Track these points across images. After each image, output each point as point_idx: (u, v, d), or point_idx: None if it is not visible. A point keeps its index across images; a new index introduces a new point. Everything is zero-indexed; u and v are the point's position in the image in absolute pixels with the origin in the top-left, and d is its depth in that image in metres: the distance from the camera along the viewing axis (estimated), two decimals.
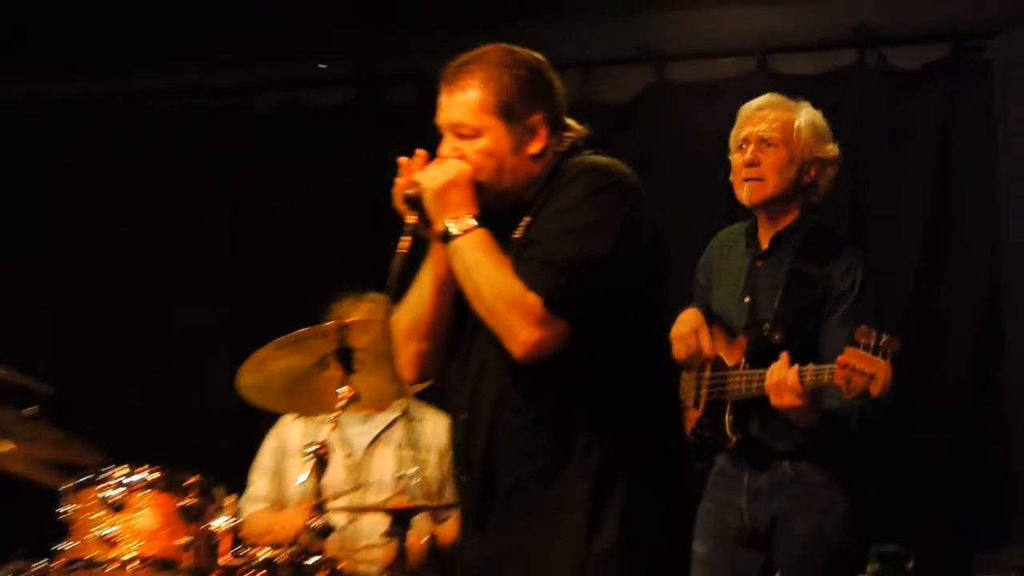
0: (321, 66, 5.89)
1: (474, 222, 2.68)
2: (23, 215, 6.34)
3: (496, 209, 2.75)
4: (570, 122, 2.86)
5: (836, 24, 5.34)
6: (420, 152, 2.77)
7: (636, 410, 2.80)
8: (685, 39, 5.50)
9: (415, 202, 2.72)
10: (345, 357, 4.22)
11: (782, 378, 3.58)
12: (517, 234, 2.76)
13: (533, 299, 2.57)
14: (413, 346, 2.93)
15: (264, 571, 4.09)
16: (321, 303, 4.84)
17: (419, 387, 4.34)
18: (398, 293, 2.88)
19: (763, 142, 3.88)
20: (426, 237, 2.79)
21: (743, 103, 4.06)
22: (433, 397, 4.85)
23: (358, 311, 4.63)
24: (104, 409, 6.09)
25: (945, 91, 5.24)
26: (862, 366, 3.37)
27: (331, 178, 5.96)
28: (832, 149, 3.95)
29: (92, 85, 6.23)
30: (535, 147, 2.77)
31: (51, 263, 6.30)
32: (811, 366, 3.57)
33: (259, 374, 4.34)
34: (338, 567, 4.24)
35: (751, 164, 3.87)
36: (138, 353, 6.13)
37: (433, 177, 2.71)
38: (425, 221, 2.73)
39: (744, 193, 3.90)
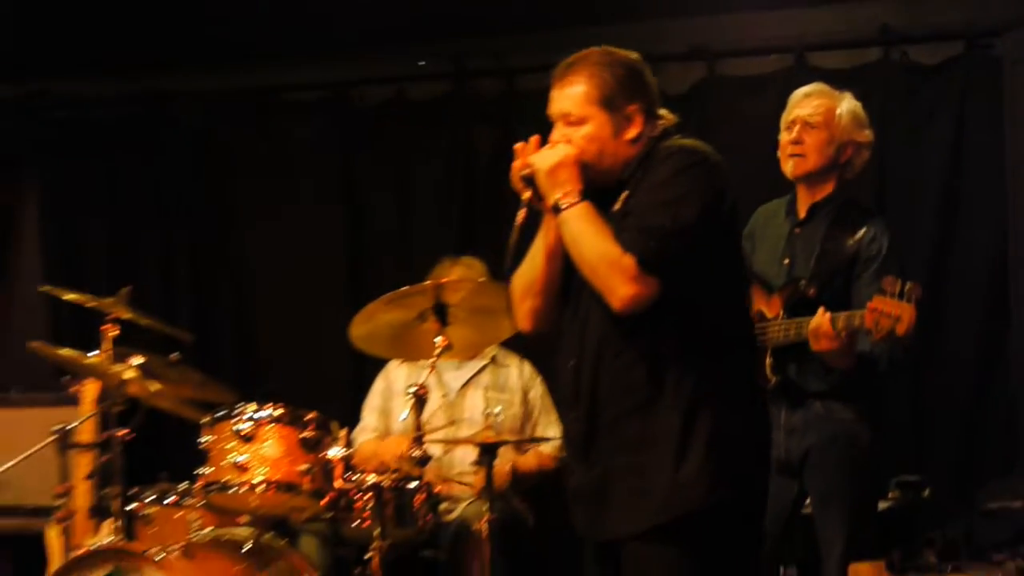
0: (421, 63, 5.89)
1: (579, 197, 2.81)
2: (170, 190, 6.45)
3: (598, 185, 2.87)
4: (663, 111, 2.97)
5: (864, 25, 5.40)
6: (533, 138, 2.91)
7: (719, 352, 2.88)
8: (733, 38, 5.54)
9: (530, 180, 2.88)
10: (441, 312, 4.27)
11: (818, 324, 3.66)
12: (616, 206, 2.88)
13: (629, 260, 2.69)
14: (528, 303, 3.06)
15: (371, 493, 4.16)
16: (420, 266, 4.91)
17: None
18: (516, 258, 3.02)
19: (807, 124, 3.95)
20: (539, 210, 2.91)
21: (783, 94, 4.20)
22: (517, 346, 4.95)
23: (452, 272, 4.75)
24: (237, 355, 6.22)
25: (959, 83, 5.28)
26: (889, 309, 3.47)
27: (428, 159, 6.00)
28: (868, 134, 4.04)
29: (231, 81, 6.31)
30: (631, 133, 2.90)
31: (194, 233, 6.42)
32: (843, 312, 3.66)
33: (368, 326, 4.40)
34: (434, 491, 4.33)
35: (796, 142, 3.96)
36: (267, 308, 6.25)
37: (545, 159, 2.85)
38: (538, 196, 2.88)
39: (788, 167, 3.99)
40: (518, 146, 2.92)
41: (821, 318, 3.65)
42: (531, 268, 3.03)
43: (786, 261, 3.99)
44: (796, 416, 3.93)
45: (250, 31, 5.89)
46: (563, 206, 2.81)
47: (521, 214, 2.91)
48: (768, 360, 3.95)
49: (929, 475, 4.51)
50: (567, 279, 2.98)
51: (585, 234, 2.79)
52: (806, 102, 4.00)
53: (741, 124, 5.20)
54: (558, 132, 2.90)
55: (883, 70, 5.32)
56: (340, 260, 6.09)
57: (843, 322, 3.64)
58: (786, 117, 4.04)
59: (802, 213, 4.04)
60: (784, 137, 4.00)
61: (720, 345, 2.89)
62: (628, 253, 2.71)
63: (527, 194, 2.89)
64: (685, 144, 2.90)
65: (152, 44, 6.12)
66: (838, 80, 4.29)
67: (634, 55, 2.94)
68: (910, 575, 3.56)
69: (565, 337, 3.01)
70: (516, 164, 2.90)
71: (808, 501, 4.02)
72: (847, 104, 4.00)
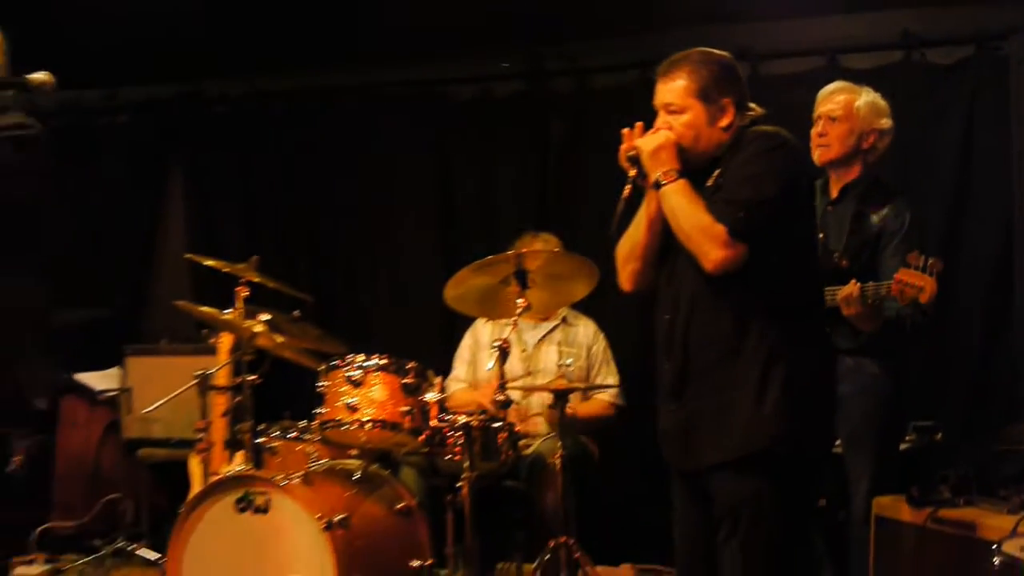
0: (504, 64, 5.84)
1: (677, 175, 2.89)
2: (289, 174, 6.47)
3: (694, 165, 2.94)
4: (752, 104, 3.04)
5: (887, 30, 5.32)
6: (638, 124, 2.99)
7: (795, 310, 2.94)
8: (774, 42, 5.49)
9: (635, 160, 2.97)
10: (521, 277, 4.29)
11: (849, 293, 3.69)
12: (709, 182, 2.93)
13: (720, 229, 2.78)
14: (631, 266, 3.13)
15: (461, 432, 4.20)
16: (504, 238, 4.89)
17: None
18: (620, 226, 3.10)
19: (830, 118, 3.99)
20: (641, 186, 3.00)
21: (816, 91, 4.18)
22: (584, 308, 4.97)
23: (531, 244, 4.75)
24: (348, 314, 6.24)
25: (970, 82, 5.22)
26: (913, 280, 3.52)
27: (509, 147, 5.98)
28: (886, 122, 4.07)
29: (343, 78, 6.31)
30: (724, 121, 2.96)
31: (311, 210, 6.44)
32: (872, 283, 3.69)
33: (459, 289, 4.43)
34: (515, 430, 4.39)
35: (821, 135, 4.00)
36: (372, 274, 6.28)
37: (648, 142, 2.94)
38: (641, 174, 2.97)
39: (816, 155, 4.00)
40: (625, 131, 3.01)
41: (852, 287, 3.70)
42: (634, 236, 3.09)
43: (821, 236, 3.94)
44: None
45: (361, 37, 5.89)
46: (663, 182, 2.89)
47: (627, 189, 3.00)
48: None
49: (943, 421, 4.44)
50: (663, 246, 3.04)
51: (683, 206, 2.86)
52: (829, 99, 4.03)
53: (780, 116, 5.02)
54: (661, 119, 2.97)
55: (904, 70, 5.25)
56: (434, 232, 6.12)
57: (871, 291, 3.68)
58: (815, 112, 4.06)
59: (834, 193, 4.08)
60: (813, 130, 4.02)
61: (796, 304, 2.95)
62: (719, 223, 2.78)
63: (632, 172, 2.98)
64: (768, 129, 2.98)
65: (278, 50, 6.12)
66: (864, 79, 4.33)
67: (728, 55, 3.02)
68: (927, 507, 3.50)
69: (660, 296, 3.07)
70: (624, 146, 2.99)
71: (838, 443, 3.96)
72: (865, 97, 4.02)
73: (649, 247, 3.07)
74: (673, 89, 2.94)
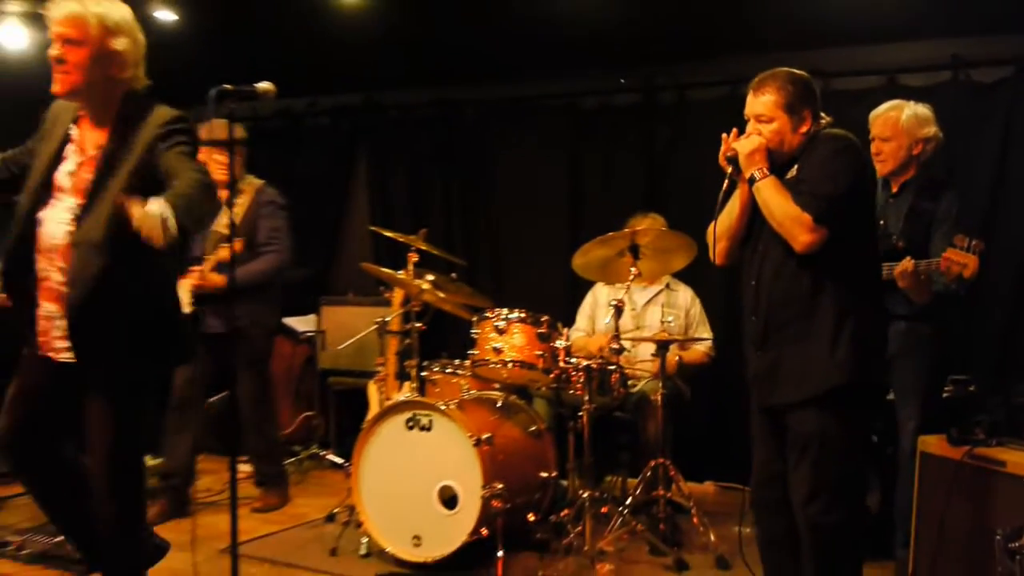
0: (621, 80, 5.77)
1: (768, 172, 2.91)
2: (451, 165, 6.48)
3: (777, 162, 2.94)
4: (822, 114, 3.02)
5: (939, 54, 5.07)
6: (734, 130, 3.02)
7: (860, 276, 2.96)
8: (843, 63, 5.27)
9: (733, 160, 2.97)
10: (634, 250, 4.28)
11: (905, 268, 3.61)
12: (790, 175, 2.93)
13: (807, 217, 2.80)
14: (722, 244, 3.12)
15: (583, 372, 4.19)
16: (619, 217, 4.84)
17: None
18: (718, 212, 3.08)
19: (881, 139, 3.88)
20: (737, 181, 3.00)
21: (878, 105, 4.02)
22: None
23: (642, 223, 4.67)
24: (494, 277, 6.24)
25: (1008, 97, 4.94)
26: (959, 259, 3.44)
27: (625, 146, 5.89)
28: (930, 130, 3.92)
29: (494, 90, 6.28)
30: (803, 128, 2.96)
31: (466, 194, 6.44)
32: (923, 260, 3.60)
33: (584, 258, 4.42)
34: (625, 372, 4.36)
35: (876, 154, 3.88)
36: (514, 246, 6.26)
37: (744, 145, 2.95)
38: (738, 171, 2.97)
39: (877, 168, 3.87)
40: (724, 136, 3.01)
41: (907, 263, 3.60)
42: (726, 221, 3.09)
43: (881, 221, 3.85)
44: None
45: (509, 58, 5.88)
46: (757, 178, 2.90)
47: (726, 183, 3.01)
48: None
49: (976, 375, 4.27)
50: (748, 229, 3.06)
51: (775, 198, 2.86)
52: (877, 123, 3.91)
53: (847, 125, 4.90)
54: (752, 126, 2.97)
55: (952, 88, 5.00)
56: (565, 212, 6.05)
57: (923, 267, 3.58)
58: (870, 134, 3.93)
59: (894, 189, 3.98)
60: (871, 148, 3.90)
61: (860, 273, 2.95)
62: (806, 212, 2.79)
63: (730, 169, 2.98)
64: (837, 132, 2.97)
65: (442, 67, 6.17)
66: (918, 95, 4.12)
67: (807, 75, 3.00)
68: (964, 446, 3.39)
69: (746, 267, 3.08)
70: (723, 149, 2.99)
71: (891, 392, 3.89)
72: (908, 110, 3.88)
73: (738, 230, 3.07)
74: (764, 102, 2.92)
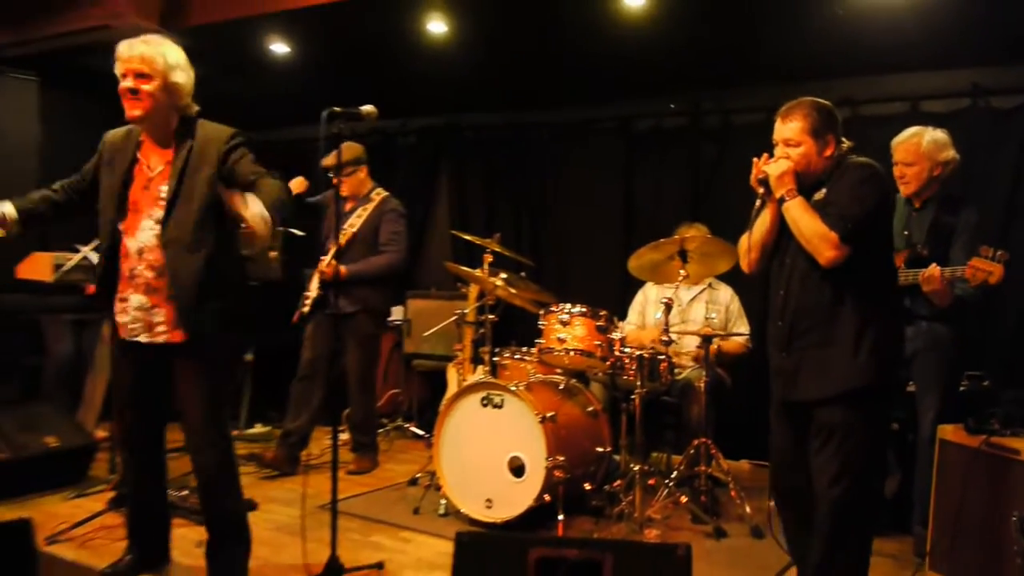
0: (672, 106, 5.68)
1: (796, 193, 2.82)
2: (520, 178, 6.43)
3: (805, 184, 2.84)
4: (843, 138, 2.90)
5: (960, 83, 4.90)
6: (765, 155, 2.91)
7: (879, 288, 2.85)
8: (870, 91, 5.13)
9: (764, 182, 2.87)
10: (683, 255, 4.24)
11: (931, 274, 3.51)
12: (818, 197, 2.83)
13: (833, 235, 2.71)
14: (752, 255, 3.00)
15: (635, 360, 4.15)
16: (668, 227, 4.77)
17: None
18: (749, 227, 2.99)
19: (903, 164, 3.77)
20: (767, 200, 2.91)
21: (902, 129, 3.90)
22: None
23: (689, 231, 4.59)
24: (559, 275, 6.13)
25: (1023, 120, 4.75)
26: (985, 267, 3.35)
27: (674, 164, 5.79)
28: (948, 153, 3.81)
29: (557, 114, 6.24)
30: (827, 152, 2.86)
31: (535, 205, 6.39)
32: (949, 267, 3.51)
33: (638, 261, 4.39)
34: (672, 361, 4.26)
35: (900, 177, 3.79)
36: (575, 249, 6.19)
37: (774, 168, 2.85)
38: (768, 192, 2.87)
39: (900, 190, 3.80)
40: (755, 160, 2.90)
41: (934, 270, 3.48)
42: (757, 235, 2.97)
43: (906, 232, 3.75)
44: (909, 330, 3.74)
45: (571, 87, 5.85)
46: (787, 199, 2.81)
47: (758, 203, 2.93)
48: None
49: (990, 372, 4.13)
50: (775, 243, 2.96)
51: (803, 217, 2.77)
52: (900, 149, 3.80)
53: (873, 148, 4.74)
54: (780, 150, 2.87)
55: (972, 113, 4.83)
56: (619, 221, 5.98)
57: (949, 273, 3.43)
58: (893, 159, 3.82)
59: (917, 204, 3.83)
60: (895, 171, 3.79)
61: (879, 285, 2.84)
62: (832, 231, 2.70)
63: (761, 190, 2.88)
64: (863, 160, 2.85)
65: (513, 94, 6.16)
66: (939, 121, 3.98)
67: (830, 103, 2.90)
68: (981, 435, 3.24)
69: (773, 277, 2.99)
70: (754, 172, 2.89)
71: (911, 384, 3.81)
72: (928, 136, 3.75)
73: (767, 244, 2.97)
74: (791, 128, 2.82)
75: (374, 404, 5.30)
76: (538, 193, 6.33)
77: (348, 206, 5.02)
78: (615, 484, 4.15)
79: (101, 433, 4.90)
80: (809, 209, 2.76)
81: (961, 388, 3.84)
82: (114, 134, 3.17)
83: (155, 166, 3.02)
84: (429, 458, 4.31)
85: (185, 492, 4.22)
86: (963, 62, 4.84)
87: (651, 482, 4.18)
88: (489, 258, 4.51)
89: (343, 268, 4.76)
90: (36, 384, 5.35)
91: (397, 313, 6.23)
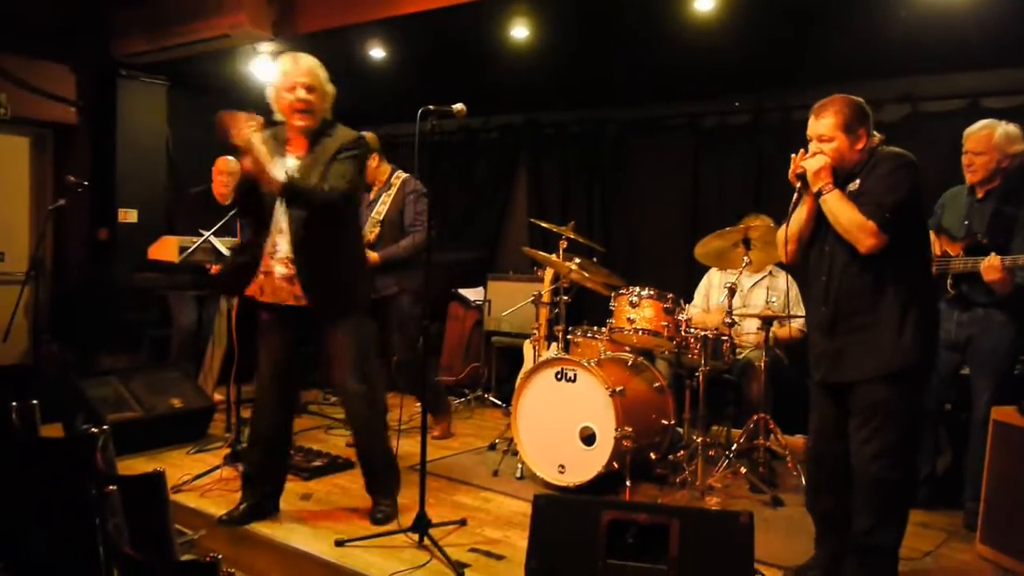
0: (736, 103, 5.53)
1: (833, 186, 2.72)
2: (594, 171, 6.30)
3: (840, 176, 2.75)
4: (875, 132, 2.81)
5: (1017, 81, 4.65)
6: (801, 151, 2.81)
7: (917, 273, 2.77)
8: (930, 89, 4.93)
9: (802, 177, 2.78)
10: (747, 243, 4.15)
11: (991, 263, 3.39)
12: (852, 188, 2.73)
13: (872, 225, 2.63)
14: (792, 246, 2.91)
15: (700, 340, 4.05)
16: (733, 216, 4.66)
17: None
18: (787, 220, 2.90)
19: (973, 153, 3.59)
20: (804, 194, 2.81)
21: (963, 124, 3.75)
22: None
23: (753, 221, 4.47)
24: (630, 261, 6.04)
25: None
26: None
27: (737, 157, 5.65)
28: (1018, 147, 3.66)
29: (630, 112, 6.15)
30: (860, 145, 2.75)
31: (607, 195, 6.30)
32: (1009, 256, 3.37)
33: (704, 248, 4.32)
34: (734, 341, 4.17)
35: (968, 165, 3.62)
36: (647, 237, 6.10)
37: (811, 164, 2.75)
38: (806, 186, 2.78)
39: (967, 178, 3.64)
40: (794, 156, 2.81)
41: (994, 259, 3.34)
42: (796, 227, 2.88)
43: (966, 222, 3.59)
44: (965, 315, 3.59)
45: (648, 86, 5.78)
46: (825, 192, 2.72)
47: (795, 197, 2.83)
48: (950, 281, 3.60)
49: None
50: (813, 235, 2.87)
51: (842, 209, 2.68)
52: (972, 138, 3.60)
53: (933, 140, 4.60)
54: (815, 146, 2.78)
55: None
56: (686, 211, 5.87)
57: (1010, 262, 3.28)
58: (964, 147, 3.64)
59: (980, 195, 3.64)
60: (963, 158, 3.63)
61: (917, 270, 2.76)
62: (870, 220, 2.62)
63: (799, 185, 2.80)
64: (895, 151, 2.75)
65: (586, 94, 6.09)
66: (997, 116, 3.76)
67: (860, 99, 2.79)
68: None
69: (812, 267, 2.89)
70: (792, 168, 2.80)
71: (966, 367, 3.67)
72: (1001, 129, 3.56)
73: (803, 236, 2.87)
74: (825, 124, 2.74)
75: (432, 373, 5.17)
76: (610, 185, 6.25)
77: (372, 194, 4.77)
78: (679, 454, 4.09)
79: (218, 396, 5.06)
80: (846, 200, 2.68)
81: (1016, 371, 3.67)
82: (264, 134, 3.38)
83: (294, 161, 3.26)
84: (507, 426, 4.32)
85: (291, 451, 4.33)
86: (1021, 61, 4.59)
87: (712, 453, 4.11)
88: (564, 244, 4.48)
89: (374, 255, 4.51)
90: (163, 352, 5.55)
91: (479, 294, 6.26)
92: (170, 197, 6.43)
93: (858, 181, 2.73)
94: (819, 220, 2.80)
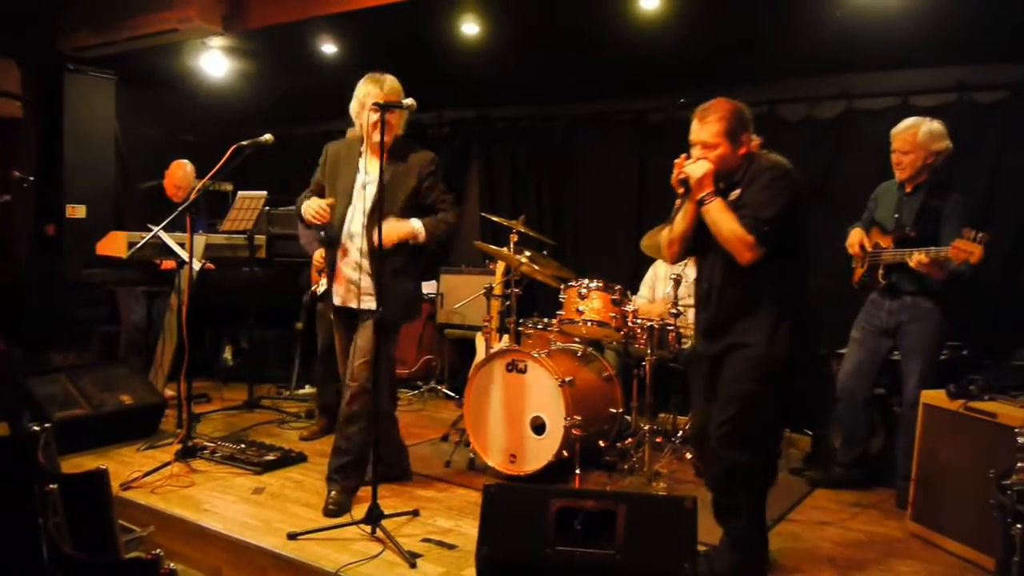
0: (681, 100, 5.55)
1: (715, 195, 2.71)
2: (543, 164, 6.29)
3: (720, 179, 2.74)
4: (753, 136, 2.80)
5: (946, 80, 4.77)
6: (683, 156, 2.78)
7: (793, 284, 2.78)
8: (865, 87, 5.02)
9: (684, 183, 2.75)
10: None
11: (920, 259, 3.48)
12: (732, 197, 2.72)
13: (750, 238, 2.63)
14: (675, 248, 2.93)
15: (646, 331, 4.07)
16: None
17: None
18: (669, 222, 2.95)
19: (900, 152, 3.68)
20: (685, 200, 2.80)
21: (894, 120, 3.83)
22: None
23: None
24: (578, 253, 6.09)
25: (1004, 115, 4.63)
26: (966, 247, 3.27)
27: (681, 152, 5.56)
28: (942, 144, 3.75)
29: (580, 108, 6.14)
30: (742, 151, 2.75)
31: (556, 187, 6.31)
32: (934, 248, 3.44)
33: (649, 240, 4.39)
34: (680, 331, 4.17)
35: (897, 163, 3.70)
36: (593, 229, 6.11)
37: (695, 170, 2.72)
38: (688, 192, 2.75)
39: (896, 175, 3.73)
40: (676, 161, 2.78)
41: (921, 255, 3.46)
42: (675, 230, 2.89)
43: (896, 215, 3.67)
44: (895, 303, 3.69)
45: (593, 83, 5.76)
46: (707, 201, 2.71)
47: (678, 202, 2.85)
48: (881, 271, 3.68)
49: (968, 342, 4.06)
50: (693, 239, 2.85)
51: (723, 219, 2.68)
52: (898, 137, 3.70)
53: (867, 139, 4.70)
54: (698, 152, 2.75)
55: (957, 107, 4.69)
56: (633, 204, 5.90)
57: (933, 254, 3.39)
58: (891, 146, 3.73)
59: (908, 189, 3.71)
60: (892, 157, 3.72)
61: (793, 281, 2.78)
62: (750, 233, 2.62)
63: (681, 190, 2.77)
64: (774, 159, 2.75)
65: (538, 90, 6.08)
66: (927, 114, 3.87)
67: (742, 104, 2.77)
68: (961, 400, 3.17)
69: (698, 270, 2.93)
70: (675, 173, 2.77)
71: (897, 353, 3.76)
72: (925, 127, 3.65)
73: (685, 238, 2.85)
74: (709, 131, 2.71)
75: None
76: (560, 179, 6.25)
77: None
78: (626, 442, 4.12)
79: (169, 392, 4.95)
80: (728, 211, 2.66)
81: (942, 357, 3.78)
82: (335, 146, 3.65)
83: (371, 171, 3.45)
84: (459, 417, 4.30)
85: (242, 445, 4.26)
86: (950, 60, 4.71)
87: (659, 440, 4.14)
88: (515, 238, 4.46)
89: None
90: (114, 349, 5.42)
91: (431, 287, 6.22)
92: (120, 192, 6.28)
93: (739, 191, 2.71)
94: (701, 224, 2.78)
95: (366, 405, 3.44)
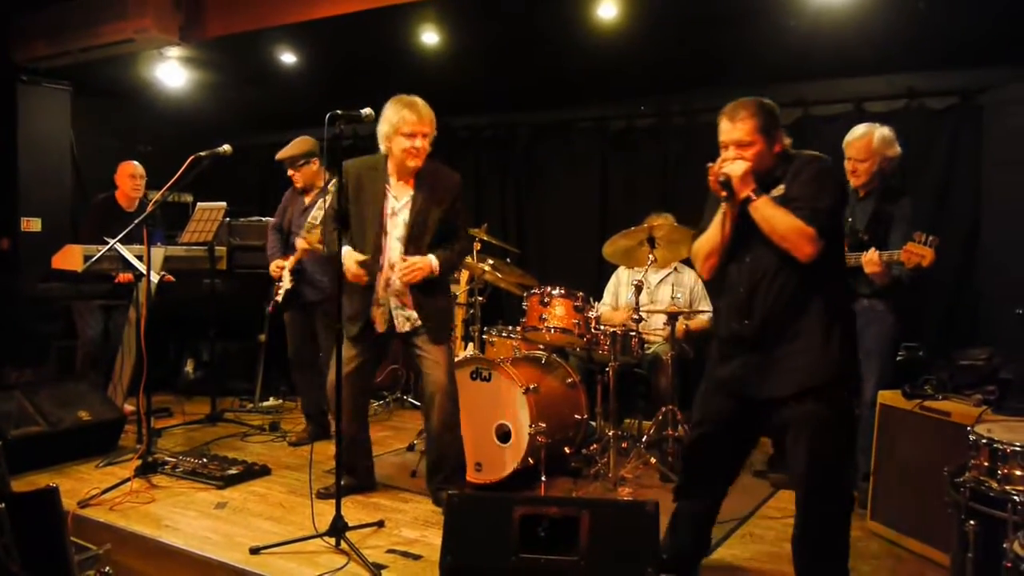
0: (642, 108, 5.60)
1: (759, 192, 2.58)
2: (508, 174, 6.32)
3: (757, 181, 2.60)
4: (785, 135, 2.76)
5: (898, 86, 4.88)
6: (719, 159, 2.63)
7: (840, 281, 2.72)
8: (820, 94, 5.12)
9: (727, 184, 2.58)
10: (651, 241, 4.21)
11: (871, 257, 3.47)
12: (776, 193, 2.59)
13: (811, 229, 2.49)
14: (711, 260, 2.75)
15: (609, 337, 4.11)
16: (639, 216, 4.72)
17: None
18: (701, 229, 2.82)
19: (854, 160, 3.71)
20: (728, 202, 2.62)
21: (848, 126, 3.87)
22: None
23: (657, 220, 4.55)
24: (541, 261, 6.10)
25: (954, 121, 4.75)
26: (918, 251, 3.30)
27: (643, 160, 5.74)
28: (894, 149, 3.80)
29: (542, 116, 6.13)
30: (777, 148, 2.65)
31: (519, 195, 6.32)
32: (886, 251, 3.47)
33: (612, 247, 4.38)
34: (642, 337, 4.21)
35: (852, 171, 3.72)
36: (556, 237, 6.14)
37: (734, 169, 2.57)
38: (731, 194, 2.59)
39: (851, 182, 3.73)
40: (710, 165, 2.63)
41: (873, 254, 3.47)
42: (713, 239, 2.71)
43: (849, 219, 3.70)
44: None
45: (557, 91, 5.79)
46: (754, 199, 2.55)
47: (724, 206, 2.65)
48: None
49: (924, 343, 4.13)
50: (731, 248, 2.70)
51: (776, 214, 2.53)
52: (853, 146, 3.72)
53: (822, 144, 4.72)
54: (732, 152, 2.60)
55: (908, 113, 4.80)
56: (595, 211, 5.94)
57: (886, 257, 3.42)
58: (846, 154, 3.75)
59: (861, 194, 3.80)
60: (845, 164, 3.73)
61: (839, 278, 2.71)
62: (810, 225, 2.48)
63: (724, 193, 2.60)
64: (813, 154, 2.67)
65: (497, 98, 6.08)
66: (879, 120, 3.93)
67: (771, 101, 2.67)
68: (916, 399, 3.23)
69: (732, 277, 2.69)
70: (712, 176, 2.61)
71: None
72: (877, 133, 3.69)
73: (725, 247, 2.68)
74: (742, 128, 2.56)
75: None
76: (522, 187, 6.27)
77: (308, 199, 4.68)
78: (591, 447, 4.14)
79: (129, 407, 4.87)
80: (778, 206, 2.52)
81: (898, 358, 3.84)
82: (356, 165, 3.60)
83: (400, 197, 3.56)
84: None
85: (204, 460, 4.20)
86: (900, 67, 4.82)
87: (624, 445, 4.18)
88: (477, 246, 4.47)
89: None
90: (71, 364, 5.31)
91: None
92: (76, 205, 6.17)
93: (782, 187, 2.58)
94: (738, 229, 2.64)
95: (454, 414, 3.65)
